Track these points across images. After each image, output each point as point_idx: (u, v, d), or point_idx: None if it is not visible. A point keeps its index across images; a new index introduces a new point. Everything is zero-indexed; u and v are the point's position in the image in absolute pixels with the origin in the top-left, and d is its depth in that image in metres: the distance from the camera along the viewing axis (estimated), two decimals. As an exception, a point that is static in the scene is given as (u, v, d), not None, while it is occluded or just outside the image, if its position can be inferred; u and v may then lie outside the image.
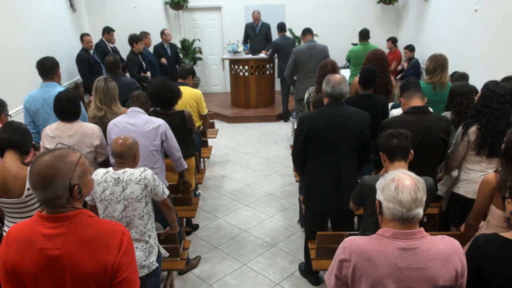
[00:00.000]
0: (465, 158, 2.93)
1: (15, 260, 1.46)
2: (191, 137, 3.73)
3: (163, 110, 3.56)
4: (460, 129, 2.90)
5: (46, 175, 1.41)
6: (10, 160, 2.38)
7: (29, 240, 1.46)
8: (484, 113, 2.73)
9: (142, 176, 2.39)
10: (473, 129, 2.79)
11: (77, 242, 1.45)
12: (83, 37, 6.28)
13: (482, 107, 2.75)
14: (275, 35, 7.86)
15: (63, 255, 1.44)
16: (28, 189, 2.34)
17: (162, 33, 7.05)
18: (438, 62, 3.85)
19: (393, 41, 7.29)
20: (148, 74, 6.27)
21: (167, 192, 2.56)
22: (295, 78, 5.93)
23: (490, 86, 2.76)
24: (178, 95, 3.56)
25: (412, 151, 2.33)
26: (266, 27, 7.79)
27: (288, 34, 7.44)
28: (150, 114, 3.51)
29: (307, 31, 5.93)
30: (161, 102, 3.52)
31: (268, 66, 7.76)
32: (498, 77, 3.45)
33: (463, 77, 4.08)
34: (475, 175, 2.86)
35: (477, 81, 4.28)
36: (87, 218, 1.50)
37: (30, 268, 1.45)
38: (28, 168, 2.35)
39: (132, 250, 1.55)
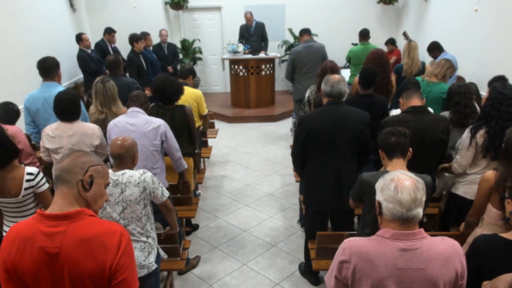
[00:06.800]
0: None
1: (15, 259, 1.46)
2: (191, 135, 3.71)
3: (165, 105, 3.58)
4: (467, 133, 2.83)
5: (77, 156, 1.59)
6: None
7: (29, 238, 1.46)
8: (493, 115, 2.67)
9: (141, 179, 2.38)
10: (481, 133, 2.73)
11: (76, 242, 1.45)
12: (81, 36, 6.19)
13: (491, 109, 2.69)
14: (270, 34, 7.85)
15: (61, 253, 1.44)
16: (25, 189, 2.34)
17: (160, 33, 7.40)
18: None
19: (391, 42, 7.16)
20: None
21: (166, 194, 2.54)
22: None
23: (498, 88, 2.70)
24: (181, 90, 3.64)
25: (411, 149, 2.34)
26: (260, 26, 7.78)
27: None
28: (152, 108, 3.54)
29: (304, 32, 5.92)
30: (165, 96, 3.55)
31: (268, 66, 7.76)
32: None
33: (502, 78, 3.70)
34: (475, 176, 2.85)
35: (477, 81, 4.29)
36: (87, 218, 1.50)
37: (30, 266, 1.45)
38: (26, 168, 2.36)
39: (131, 252, 1.54)
